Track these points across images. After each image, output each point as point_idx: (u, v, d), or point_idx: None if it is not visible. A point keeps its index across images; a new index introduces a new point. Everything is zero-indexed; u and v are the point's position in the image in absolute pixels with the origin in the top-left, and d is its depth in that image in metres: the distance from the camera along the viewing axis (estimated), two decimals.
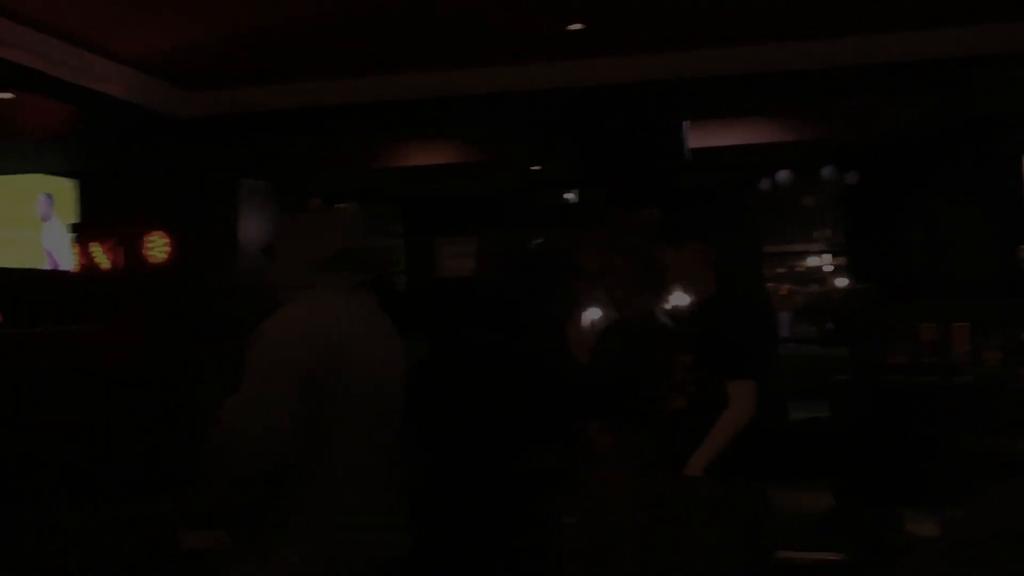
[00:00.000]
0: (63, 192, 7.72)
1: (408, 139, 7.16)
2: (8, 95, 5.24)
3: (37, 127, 6.12)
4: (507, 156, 7.87)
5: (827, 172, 8.97)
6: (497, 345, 3.10)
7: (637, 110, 6.34)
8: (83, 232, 7.04)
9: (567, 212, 9.10)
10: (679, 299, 3.72)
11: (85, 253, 6.89)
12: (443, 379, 3.07)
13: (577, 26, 5.30)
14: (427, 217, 9.53)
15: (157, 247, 6.66)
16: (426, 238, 9.45)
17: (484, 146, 7.61)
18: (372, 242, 2.35)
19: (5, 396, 6.27)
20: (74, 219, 7.43)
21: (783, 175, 9.00)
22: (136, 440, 6.01)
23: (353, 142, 6.95)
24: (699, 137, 7.19)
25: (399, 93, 6.15)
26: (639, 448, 3.45)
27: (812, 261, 12.02)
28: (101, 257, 6.84)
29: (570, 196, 9.43)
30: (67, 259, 7.40)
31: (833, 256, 11.58)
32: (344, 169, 7.89)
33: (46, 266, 8.01)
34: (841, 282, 10.80)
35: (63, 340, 6.53)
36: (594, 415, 3.59)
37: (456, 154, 7.61)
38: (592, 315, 3.65)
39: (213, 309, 6.27)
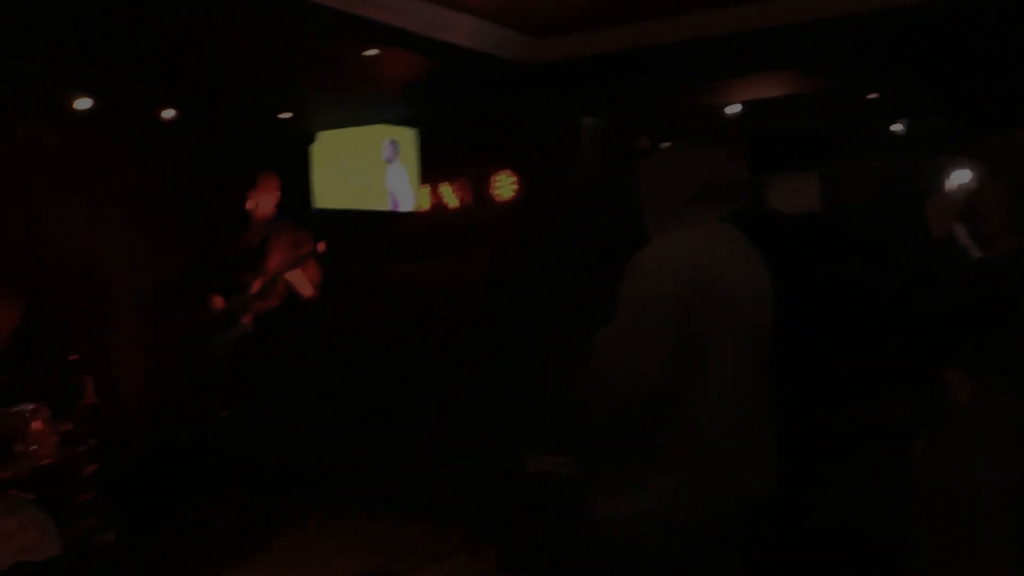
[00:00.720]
0: (405, 140, 8.36)
1: (738, 74, 6.98)
2: (374, 51, 5.73)
3: (391, 80, 6.64)
4: (842, 86, 7.44)
5: None
6: (849, 282, 3.00)
7: (992, 23, 5.72)
8: (432, 173, 7.54)
9: (915, 141, 8.47)
10: None
11: (434, 193, 7.40)
12: (790, 318, 3.02)
13: None
14: (757, 152, 9.27)
15: (505, 185, 7.00)
16: (757, 174, 9.19)
17: (817, 76, 7.24)
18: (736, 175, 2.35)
19: (364, 330, 6.96)
20: (414, 167, 8.00)
21: None
22: (481, 369, 6.45)
23: (685, 79, 6.89)
24: None
25: (729, 26, 6.00)
26: (1006, 400, 3.20)
27: None
28: (450, 196, 7.32)
29: (898, 126, 8.74)
30: (408, 200, 8.04)
31: None
32: (676, 108, 7.86)
33: (389, 207, 8.74)
34: None
35: (419, 276, 7.10)
36: (954, 361, 3.37)
37: (787, 86, 7.31)
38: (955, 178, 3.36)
39: (558, 244, 6.53)
